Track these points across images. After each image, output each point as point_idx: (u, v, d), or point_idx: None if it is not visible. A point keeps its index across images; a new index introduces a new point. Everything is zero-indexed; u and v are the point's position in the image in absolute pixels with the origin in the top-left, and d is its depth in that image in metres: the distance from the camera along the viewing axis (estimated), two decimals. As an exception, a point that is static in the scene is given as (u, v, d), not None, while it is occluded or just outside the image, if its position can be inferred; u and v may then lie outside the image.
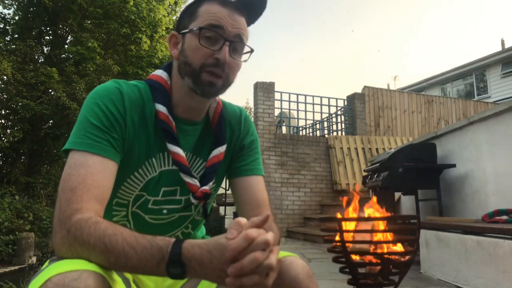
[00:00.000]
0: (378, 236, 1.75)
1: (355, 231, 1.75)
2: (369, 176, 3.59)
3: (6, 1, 8.65)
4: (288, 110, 7.32)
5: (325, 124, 8.12)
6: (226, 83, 0.83)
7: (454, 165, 3.31)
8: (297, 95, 7.20)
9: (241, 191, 0.92)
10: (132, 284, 0.77)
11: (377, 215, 1.83)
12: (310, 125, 8.53)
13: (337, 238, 1.71)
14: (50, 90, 7.97)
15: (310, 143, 6.84)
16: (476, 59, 14.47)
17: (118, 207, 0.87)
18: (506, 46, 14.49)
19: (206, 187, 0.88)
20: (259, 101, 6.68)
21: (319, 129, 8.39)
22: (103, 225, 0.64)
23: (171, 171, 0.86)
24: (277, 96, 6.93)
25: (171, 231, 0.93)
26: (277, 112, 7.02)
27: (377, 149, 6.92)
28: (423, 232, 2.79)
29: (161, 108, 0.83)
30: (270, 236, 0.59)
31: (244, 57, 0.86)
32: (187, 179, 0.86)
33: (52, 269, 0.58)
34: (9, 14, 8.97)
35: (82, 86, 7.48)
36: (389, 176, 3.22)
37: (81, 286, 0.55)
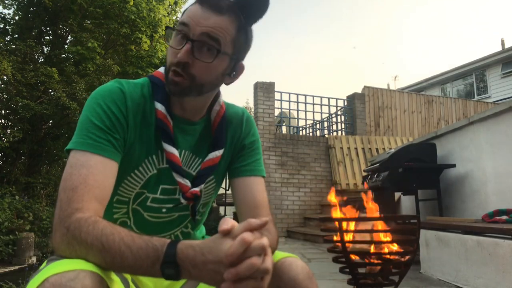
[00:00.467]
0: (378, 236, 1.75)
1: (355, 231, 1.75)
2: (369, 176, 3.59)
3: (6, 1, 8.66)
4: (288, 110, 7.32)
5: (325, 124, 8.12)
6: (194, 84, 0.80)
7: (454, 165, 3.31)
8: (297, 95, 7.21)
9: (240, 192, 0.92)
10: (131, 284, 0.77)
11: (377, 215, 1.83)
12: (310, 125, 8.53)
13: (337, 238, 1.71)
14: (50, 90, 7.97)
15: (310, 143, 6.84)
16: (476, 59, 14.48)
17: (119, 205, 0.87)
18: (506, 46, 14.49)
19: (196, 189, 0.88)
20: (259, 101, 6.68)
21: (319, 129, 8.39)
22: (101, 225, 0.64)
23: (169, 169, 0.87)
24: (277, 96, 6.94)
25: (171, 230, 0.93)
26: (277, 112, 7.02)
27: (377, 149, 6.92)
28: (423, 232, 2.79)
29: (159, 106, 0.83)
30: (265, 240, 0.59)
31: (208, 58, 0.79)
32: (179, 179, 0.86)
33: (50, 269, 0.58)
34: (9, 14, 8.97)
35: (82, 86, 7.48)
36: (389, 176, 3.22)
37: (78, 286, 0.55)
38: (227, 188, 6.97)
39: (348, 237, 1.72)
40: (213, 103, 0.91)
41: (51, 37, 9.27)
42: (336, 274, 1.91)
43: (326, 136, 7.32)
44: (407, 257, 1.71)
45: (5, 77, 7.21)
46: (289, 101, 7.12)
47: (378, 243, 1.72)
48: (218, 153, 0.90)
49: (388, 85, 18.92)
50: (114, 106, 0.78)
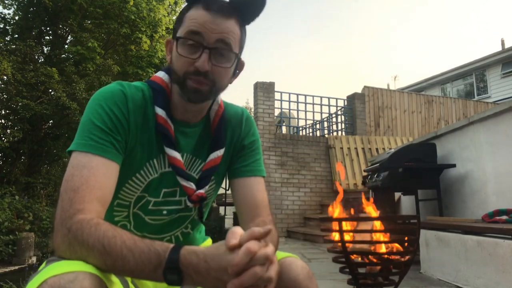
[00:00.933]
0: (378, 236, 1.75)
1: (355, 231, 1.75)
2: (369, 176, 3.59)
3: (6, 1, 8.65)
4: (288, 110, 7.32)
5: (325, 124, 8.12)
6: (214, 89, 0.81)
7: (454, 165, 3.31)
8: (297, 95, 7.20)
9: (240, 192, 0.91)
10: (131, 285, 0.77)
11: (377, 215, 1.83)
12: (310, 125, 8.53)
13: (337, 238, 1.71)
14: (50, 90, 7.97)
15: (310, 143, 6.84)
16: (476, 59, 14.48)
17: (120, 208, 0.87)
18: (506, 46, 14.49)
19: (201, 191, 0.88)
20: (259, 101, 6.68)
21: (319, 129, 8.39)
22: (103, 227, 0.64)
23: (172, 172, 0.87)
24: (277, 96, 6.94)
25: (171, 231, 0.93)
26: (277, 112, 7.02)
27: (377, 149, 6.92)
28: (423, 232, 2.79)
29: (159, 111, 0.83)
30: (270, 249, 0.59)
31: (227, 63, 0.81)
32: (183, 183, 0.86)
33: (49, 271, 0.58)
34: (9, 14, 8.98)
35: (82, 86, 7.47)
36: (389, 176, 3.22)
37: None
38: (227, 188, 6.97)
39: (348, 237, 1.72)
40: (212, 103, 0.92)
41: (51, 37, 9.27)
42: (336, 274, 1.91)
43: (326, 136, 7.32)
44: (407, 257, 1.71)
45: (5, 77, 7.21)
46: (289, 101, 7.12)
47: (378, 243, 1.72)
48: (219, 153, 0.90)
49: (388, 85, 18.93)
50: (116, 108, 0.78)
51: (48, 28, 9.18)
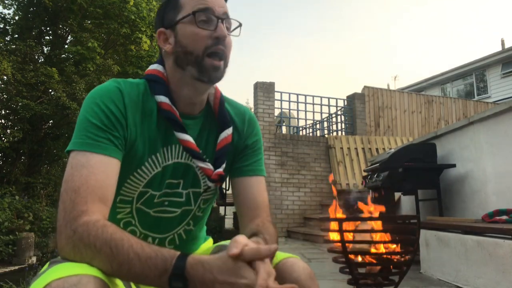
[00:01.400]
0: (378, 236, 1.75)
1: (355, 231, 1.75)
2: (369, 176, 3.59)
3: (6, 1, 8.65)
4: (288, 110, 7.32)
5: (325, 124, 8.12)
6: (225, 64, 0.85)
7: (454, 165, 3.31)
8: (297, 95, 7.20)
9: (241, 192, 0.92)
10: (133, 287, 0.77)
11: (377, 215, 1.83)
12: (310, 125, 8.53)
13: (337, 238, 1.71)
14: (50, 90, 7.97)
15: (310, 143, 6.84)
16: (476, 59, 14.47)
17: (122, 204, 0.87)
18: (506, 46, 14.49)
19: (220, 170, 0.88)
20: (259, 101, 6.68)
21: (319, 129, 8.39)
22: (110, 229, 0.64)
23: (175, 165, 0.87)
24: (277, 96, 6.94)
25: (175, 228, 0.93)
26: (277, 112, 7.02)
27: (377, 149, 6.92)
28: (423, 232, 2.79)
29: (163, 99, 0.83)
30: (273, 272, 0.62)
31: (234, 32, 0.88)
32: (201, 164, 0.86)
33: (52, 273, 0.58)
34: (9, 14, 8.96)
35: (82, 86, 7.47)
36: (389, 176, 3.22)
37: None
38: (227, 188, 6.97)
39: (348, 237, 1.72)
40: None
41: (51, 37, 9.26)
42: (336, 274, 1.91)
43: (326, 136, 7.31)
44: (407, 257, 1.71)
45: (5, 77, 7.20)
46: (289, 101, 7.12)
47: (378, 243, 1.72)
48: (229, 131, 0.91)
49: (388, 85, 18.94)
50: (112, 104, 0.78)
51: (48, 28, 9.17)
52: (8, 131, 7.80)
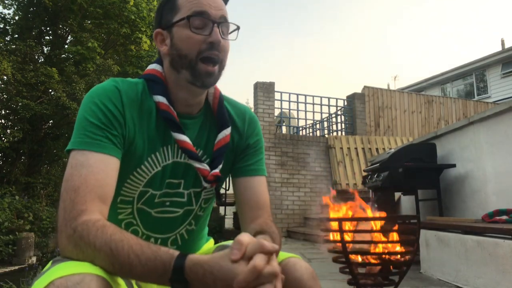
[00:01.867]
0: (378, 236, 1.75)
1: (355, 231, 1.75)
2: (369, 176, 3.59)
3: (6, 1, 8.65)
4: (288, 110, 7.32)
5: (325, 124, 8.12)
6: (221, 68, 0.84)
7: (454, 165, 3.31)
8: (297, 95, 7.21)
9: (243, 192, 0.92)
10: (135, 287, 0.77)
11: (377, 215, 1.83)
12: (310, 125, 8.53)
13: (337, 238, 1.71)
14: (50, 90, 7.97)
15: (310, 143, 6.84)
16: (476, 59, 14.47)
17: (123, 205, 0.87)
18: (506, 46, 14.49)
19: (216, 170, 0.88)
20: (259, 101, 6.68)
21: (319, 129, 8.39)
22: (110, 230, 0.64)
23: (174, 164, 0.86)
24: (277, 96, 6.94)
25: (176, 229, 0.93)
26: (277, 112, 7.02)
27: (377, 149, 6.92)
28: (423, 232, 2.79)
29: (160, 99, 0.83)
30: (276, 266, 0.60)
31: (232, 36, 0.87)
32: (197, 165, 0.86)
33: (55, 272, 0.58)
34: (9, 14, 8.96)
35: (82, 86, 7.47)
36: (389, 176, 3.22)
37: None
38: (227, 188, 6.97)
39: (348, 237, 1.72)
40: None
41: (51, 37, 9.26)
42: (336, 274, 1.91)
43: (326, 136, 7.32)
44: (407, 257, 1.71)
45: (5, 77, 7.20)
46: (289, 101, 7.12)
47: (378, 243, 1.72)
48: (227, 131, 0.90)
49: (388, 85, 18.94)
50: (109, 103, 0.78)
51: (48, 28, 9.17)
52: (8, 131, 7.80)
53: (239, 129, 0.94)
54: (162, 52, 0.86)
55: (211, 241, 1.10)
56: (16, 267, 4.87)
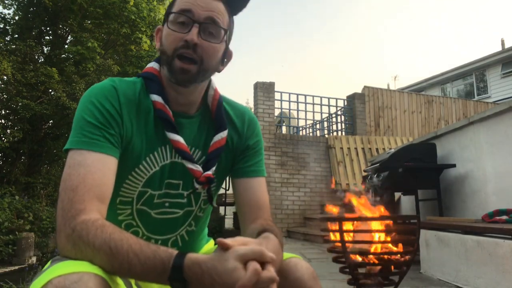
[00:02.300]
0: (378, 236, 1.75)
1: (355, 231, 1.75)
2: (369, 176, 3.59)
3: (6, 1, 8.65)
4: (288, 110, 7.32)
5: (325, 124, 8.12)
6: (202, 68, 0.81)
7: (454, 165, 3.31)
8: (297, 95, 7.21)
9: (243, 193, 0.92)
10: (134, 287, 0.77)
11: (377, 215, 1.83)
12: (310, 125, 8.53)
13: (337, 238, 1.71)
14: (50, 90, 7.96)
15: (310, 143, 6.84)
16: (476, 59, 14.47)
17: (123, 206, 0.87)
18: (506, 46, 14.49)
19: (209, 172, 0.88)
20: (259, 101, 6.68)
21: (319, 129, 8.39)
22: (109, 229, 0.64)
23: (172, 164, 0.86)
24: (277, 96, 6.94)
25: (177, 230, 0.93)
26: (277, 112, 7.02)
27: (377, 149, 6.92)
28: (423, 232, 2.79)
29: (156, 98, 0.84)
30: (274, 272, 0.61)
31: (216, 39, 0.82)
32: (190, 165, 0.86)
33: (54, 271, 0.58)
34: (9, 14, 8.95)
35: (82, 86, 7.47)
36: (389, 176, 3.22)
37: None
38: (227, 188, 6.97)
39: (348, 237, 1.72)
40: (206, 91, 0.92)
41: (51, 37, 9.26)
42: (336, 274, 1.91)
43: (326, 136, 7.32)
44: (407, 257, 1.71)
45: (5, 77, 7.20)
46: (289, 101, 7.12)
47: (378, 243, 1.72)
48: (223, 134, 0.90)
49: (388, 85, 18.94)
50: (107, 102, 0.78)
51: (48, 28, 9.17)
52: (8, 131, 7.80)
53: (238, 130, 0.94)
54: (157, 48, 0.87)
55: (211, 241, 1.10)
56: (16, 267, 4.87)
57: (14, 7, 8.78)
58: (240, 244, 0.62)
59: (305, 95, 7.28)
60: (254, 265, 0.59)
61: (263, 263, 0.61)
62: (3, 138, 7.56)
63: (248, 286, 0.57)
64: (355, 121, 7.56)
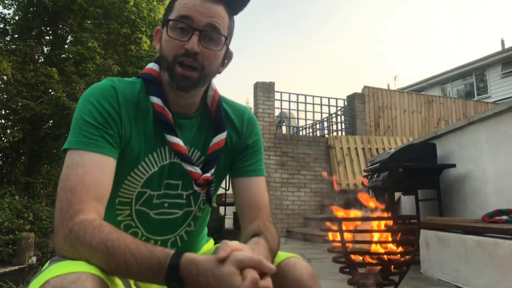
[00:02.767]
0: (378, 236, 1.75)
1: (355, 231, 1.75)
2: (369, 176, 3.59)
3: (6, 1, 8.65)
4: (288, 110, 7.32)
5: (325, 124, 8.12)
6: (203, 74, 0.81)
7: (454, 165, 3.31)
8: (297, 95, 7.21)
9: (242, 192, 0.91)
10: (133, 287, 0.77)
11: (377, 215, 1.83)
12: (310, 125, 8.53)
13: (337, 238, 1.71)
14: (50, 90, 7.97)
15: (310, 143, 6.84)
16: (476, 59, 14.47)
17: (122, 206, 0.87)
18: (506, 46, 14.48)
19: (208, 174, 0.87)
20: (259, 101, 6.68)
21: (319, 129, 8.39)
22: (107, 229, 0.64)
23: (171, 165, 0.86)
24: (277, 96, 6.94)
25: (176, 231, 0.93)
26: (277, 112, 7.02)
27: (377, 149, 6.92)
28: (423, 232, 2.79)
29: (155, 100, 0.83)
30: (270, 282, 0.61)
31: (217, 46, 0.82)
32: (189, 168, 0.85)
33: (52, 271, 0.58)
34: (9, 14, 8.97)
35: (82, 86, 7.47)
36: (389, 176, 3.21)
37: None
38: (227, 188, 6.97)
39: (348, 237, 1.72)
40: (206, 91, 0.92)
41: (51, 37, 9.26)
42: (336, 274, 1.91)
43: (326, 136, 7.32)
44: (407, 257, 1.71)
45: (5, 77, 7.21)
46: (289, 101, 7.12)
47: (378, 243, 1.72)
48: (222, 136, 0.89)
49: (388, 85, 18.94)
50: (106, 102, 0.78)
51: (48, 28, 9.17)
52: (8, 131, 7.80)
53: (237, 129, 0.94)
54: (157, 50, 0.87)
55: (211, 241, 1.10)
56: (16, 267, 4.87)
57: (14, 7, 8.79)
58: (235, 249, 0.62)
59: (305, 95, 7.29)
60: (252, 274, 0.59)
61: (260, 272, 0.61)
62: (3, 138, 7.57)
63: None
64: (355, 121, 7.57)
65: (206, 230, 1.07)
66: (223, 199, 7.83)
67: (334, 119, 7.98)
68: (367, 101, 7.70)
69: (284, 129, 8.59)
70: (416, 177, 3.29)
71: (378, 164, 3.51)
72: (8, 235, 5.23)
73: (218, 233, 6.43)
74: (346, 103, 7.73)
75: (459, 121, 3.53)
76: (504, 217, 2.46)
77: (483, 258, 2.21)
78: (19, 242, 5.16)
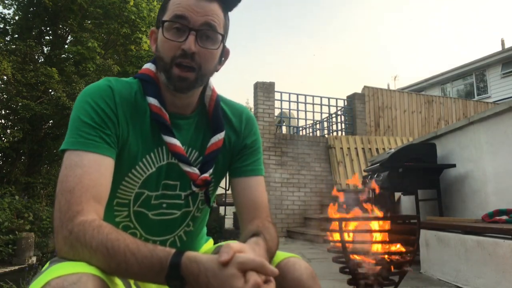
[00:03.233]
0: (378, 236, 1.75)
1: (355, 231, 1.75)
2: (369, 176, 3.59)
3: (6, 1, 8.65)
4: (288, 110, 7.32)
5: (325, 124, 8.12)
6: (200, 74, 0.81)
7: (454, 165, 3.31)
8: (297, 95, 7.21)
9: (241, 192, 0.91)
10: (134, 287, 0.77)
11: (377, 215, 1.83)
12: (310, 125, 8.53)
13: (337, 238, 1.71)
14: (50, 90, 7.97)
15: (310, 143, 6.84)
16: (476, 59, 14.47)
17: (120, 207, 0.86)
18: (506, 46, 14.48)
19: (206, 175, 0.87)
20: (259, 101, 6.68)
21: (319, 129, 8.39)
22: (106, 229, 0.64)
23: (169, 166, 0.86)
24: (277, 96, 6.94)
25: (175, 231, 0.93)
26: (277, 112, 7.02)
27: (377, 149, 6.92)
28: (423, 232, 2.79)
29: (152, 101, 0.83)
30: (273, 285, 0.61)
31: (213, 45, 0.81)
32: (187, 168, 0.85)
33: (52, 272, 0.58)
34: (9, 14, 8.96)
35: (82, 86, 7.46)
36: (389, 176, 3.21)
37: None
38: (227, 188, 6.97)
39: (348, 237, 1.72)
40: (203, 91, 0.91)
41: (51, 37, 9.26)
42: (336, 274, 1.91)
43: (326, 136, 7.32)
44: (407, 257, 1.71)
45: (5, 77, 7.20)
46: (289, 101, 7.12)
47: (378, 243, 1.72)
48: (220, 136, 0.89)
49: (388, 85, 18.93)
50: (102, 102, 0.77)
51: (48, 28, 9.17)
52: (8, 131, 7.80)
53: (236, 129, 0.94)
54: (153, 52, 0.86)
55: (211, 241, 1.10)
56: (16, 267, 4.87)
57: (14, 7, 8.79)
58: (237, 251, 0.62)
59: (305, 95, 7.29)
60: (255, 278, 0.58)
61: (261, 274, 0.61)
62: (3, 138, 7.57)
63: None
64: (355, 121, 7.57)
65: (205, 230, 1.07)
66: (223, 199, 7.83)
67: (334, 119, 7.98)
68: (367, 101, 7.70)
69: (284, 129, 8.59)
70: (416, 177, 3.29)
71: (378, 164, 3.51)
72: (8, 235, 5.23)
73: (218, 233, 6.43)
74: (346, 103, 7.73)
75: (459, 121, 3.53)
76: (504, 217, 2.46)
77: (483, 258, 2.21)
78: (19, 242, 5.15)
